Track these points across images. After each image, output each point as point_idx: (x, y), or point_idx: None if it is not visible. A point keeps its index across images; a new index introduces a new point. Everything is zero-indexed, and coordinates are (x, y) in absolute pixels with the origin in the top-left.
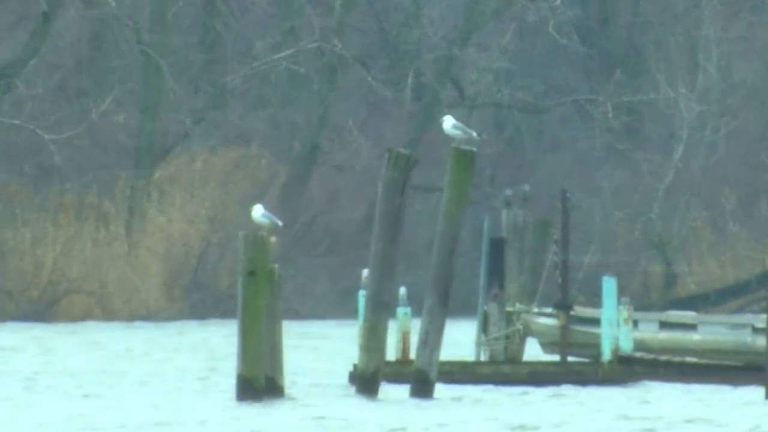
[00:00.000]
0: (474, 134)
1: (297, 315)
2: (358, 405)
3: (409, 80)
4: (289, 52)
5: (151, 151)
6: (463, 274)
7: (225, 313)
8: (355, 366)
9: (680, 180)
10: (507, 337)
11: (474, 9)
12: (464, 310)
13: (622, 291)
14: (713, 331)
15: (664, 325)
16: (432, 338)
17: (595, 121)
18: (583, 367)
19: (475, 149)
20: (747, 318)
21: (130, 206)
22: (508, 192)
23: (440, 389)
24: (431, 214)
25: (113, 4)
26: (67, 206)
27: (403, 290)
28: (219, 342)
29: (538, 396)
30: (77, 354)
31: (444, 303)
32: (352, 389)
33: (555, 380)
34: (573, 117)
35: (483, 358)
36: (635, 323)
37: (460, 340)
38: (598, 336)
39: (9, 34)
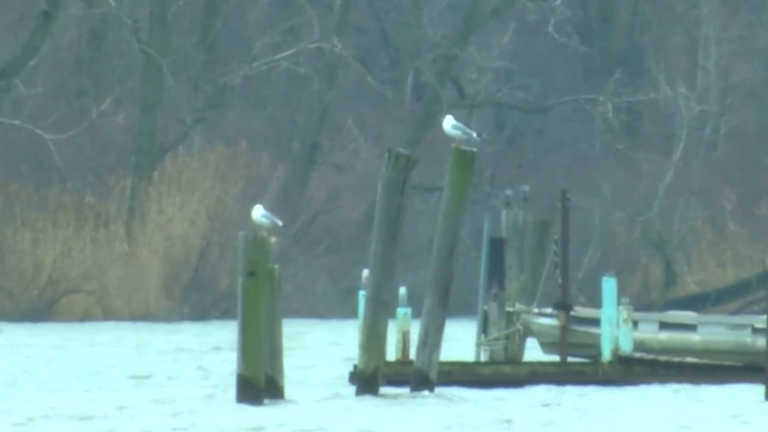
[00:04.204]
0: (474, 134)
1: (297, 315)
2: (358, 405)
3: (409, 80)
4: (289, 51)
5: (151, 151)
6: (463, 274)
7: (225, 313)
8: (355, 366)
9: (680, 179)
10: (507, 337)
11: (474, 8)
12: (464, 309)
13: (621, 291)
14: (713, 332)
15: (664, 325)
16: (432, 338)
17: (594, 121)
18: (583, 367)
19: (475, 149)
20: (747, 318)
21: (130, 206)
22: (508, 192)
23: (440, 389)
24: (431, 213)
25: (113, 3)
26: (66, 206)
27: (403, 290)
28: (218, 342)
29: (537, 396)
30: (76, 353)
31: (444, 303)
32: (352, 389)
33: (555, 380)
34: (573, 117)
35: (483, 358)
36: (635, 323)
37: (460, 340)
38: (598, 336)
39: (9, 34)
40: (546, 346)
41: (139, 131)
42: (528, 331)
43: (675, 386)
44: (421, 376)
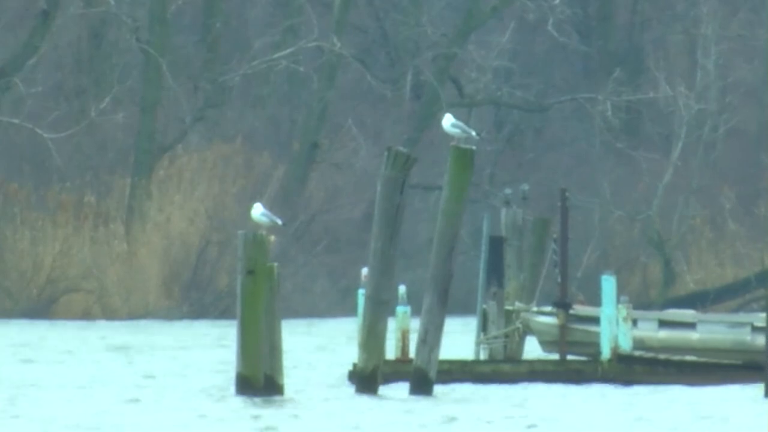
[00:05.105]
0: (473, 133)
1: (296, 314)
2: (357, 404)
3: (409, 78)
4: (288, 50)
5: (150, 150)
6: (462, 273)
7: (224, 312)
8: (354, 364)
9: (679, 178)
10: (506, 336)
11: (473, 7)
12: (464, 308)
13: (621, 289)
14: (712, 330)
15: (664, 323)
16: (431, 337)
17: (594, 120)
18: (583, 365)
19: (474, 148)
20: (746, 316)
21: (129, 205)
22: (508, 190)
23: (439, 388)
24: (430, 212)
25: (113, 2)
26: (66, 205)
27: (402, 289)
28: (218, 341)
29: (537, 395)
30: (76, 351)
31: (443, 301)
32: (352, 388)
33: (554, 379)
34: (572, 115)
35: (482, 356)
36: (634, 322)
37: (460, 338)
38: (597, 334)
39: (9, 33)
40: (545, 345)
41: (138, 130)
42: (527, 330)
43: (674, 384)
44: (421, 374)
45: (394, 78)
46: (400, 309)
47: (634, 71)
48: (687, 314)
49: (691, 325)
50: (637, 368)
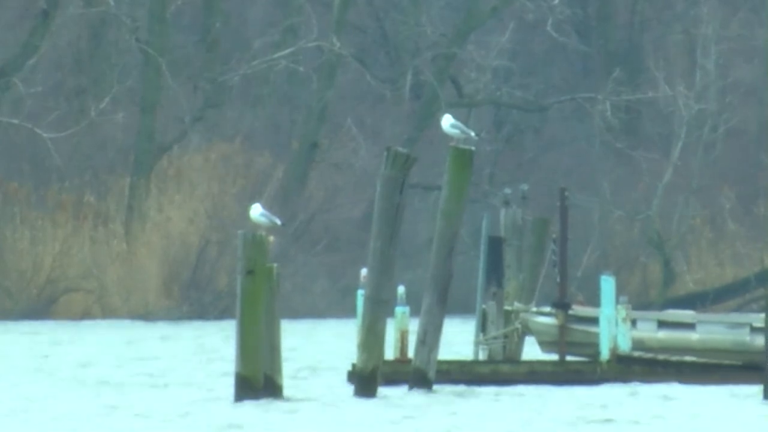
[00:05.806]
0: (472, 133)
1: (296, 314)
2: (356, 404)
3: (408, 78)
4: (288, 50)
5: (150, 150)
6: (461, 273)
7: (223, 312)
8: (353, 365)
9: (679, 178)
10: (505, 336)
11: (473, 7)
12: (463, 308)
13: (620, 289)
14: (712, 330)
15: (663, 324)
16: (430, 337)
17: (593, 120)
18: (582, 366)
19: (473, 148)
20: (746, 317)
21: (129, 204)
22: (507, 190)
23: (438, 388)
24: (430, 212)
25: (112, 2)
26: (65, 204)
27: (401, 289)
28: (217, 341)
29: (536, 395)
30: (76, 351)
31: (443, 302)
32: (351, 388)
33: (553, 379)
34: (572, 115)
35: (481, 357)
36: (634, 322)
37: (459, 338)
38: (596, 335)
39: (8, 33)
40: (545, 345)
41: (138, 130)
42: (527, 330)
43: (673, 385)
44: (420, 374)
45: (393, 78)
46: (399, 309)
47: (633, 71)
48: (686, 315)
49: (690, 326)
50: (636, 369)
